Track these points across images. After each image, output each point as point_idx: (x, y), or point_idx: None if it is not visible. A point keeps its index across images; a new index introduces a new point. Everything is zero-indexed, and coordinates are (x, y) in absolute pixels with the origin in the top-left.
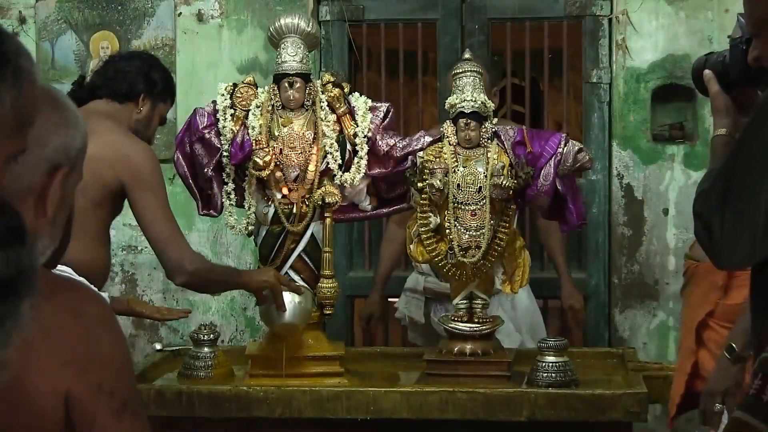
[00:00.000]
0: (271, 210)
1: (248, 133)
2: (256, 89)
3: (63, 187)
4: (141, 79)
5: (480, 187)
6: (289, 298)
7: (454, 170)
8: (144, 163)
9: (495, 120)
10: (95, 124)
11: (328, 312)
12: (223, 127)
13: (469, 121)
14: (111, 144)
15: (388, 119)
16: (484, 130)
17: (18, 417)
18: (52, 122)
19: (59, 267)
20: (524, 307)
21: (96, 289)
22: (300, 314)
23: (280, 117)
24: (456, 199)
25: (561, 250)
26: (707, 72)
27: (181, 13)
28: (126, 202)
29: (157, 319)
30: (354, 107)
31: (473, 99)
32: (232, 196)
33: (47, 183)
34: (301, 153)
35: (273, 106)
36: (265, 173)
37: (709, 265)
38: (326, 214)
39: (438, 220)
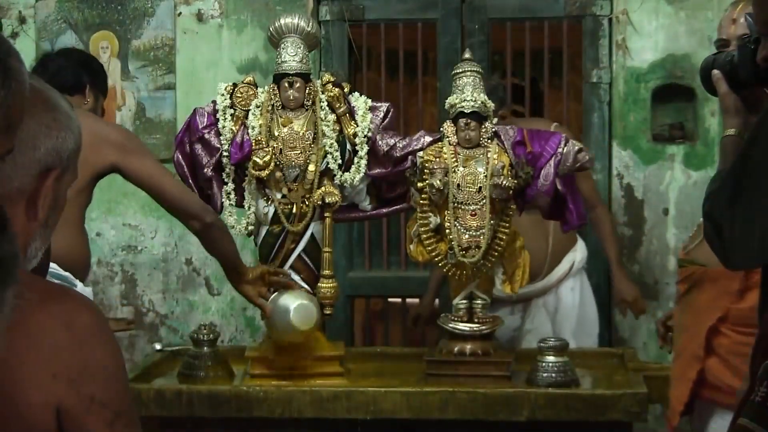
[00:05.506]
0: (271, 210)
1: (248, 133)
2: (256, 89)
3: (55, 189)
4: (84, 71)
5: (480, 187)
6: (296, 303)
7: (454, 170)
8: (124, 135)
9: (496, 120)
10: None
11: (327, 312)
12: (223, 127)
13: (469, 121)
14: (87, 129)
15: (388, 119)
16: (484, 130)
17: (9, 430)
18: (43, 124)
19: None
20: (567, 307)
21: (81, 283)
22: (307, 318)
23: (280, 117)
24: (456, 199)
25: (613, 242)
26: (716, 72)
27: (181, 13)
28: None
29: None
30: (354, 107)
31: (473, 99)
32: (232, 196)
33: (38, 185)
34: (301, 153)
35: (273, 106)
36: (265, 173)
37: (719, 270)
38: (326, 214)
39: (438, 220)
